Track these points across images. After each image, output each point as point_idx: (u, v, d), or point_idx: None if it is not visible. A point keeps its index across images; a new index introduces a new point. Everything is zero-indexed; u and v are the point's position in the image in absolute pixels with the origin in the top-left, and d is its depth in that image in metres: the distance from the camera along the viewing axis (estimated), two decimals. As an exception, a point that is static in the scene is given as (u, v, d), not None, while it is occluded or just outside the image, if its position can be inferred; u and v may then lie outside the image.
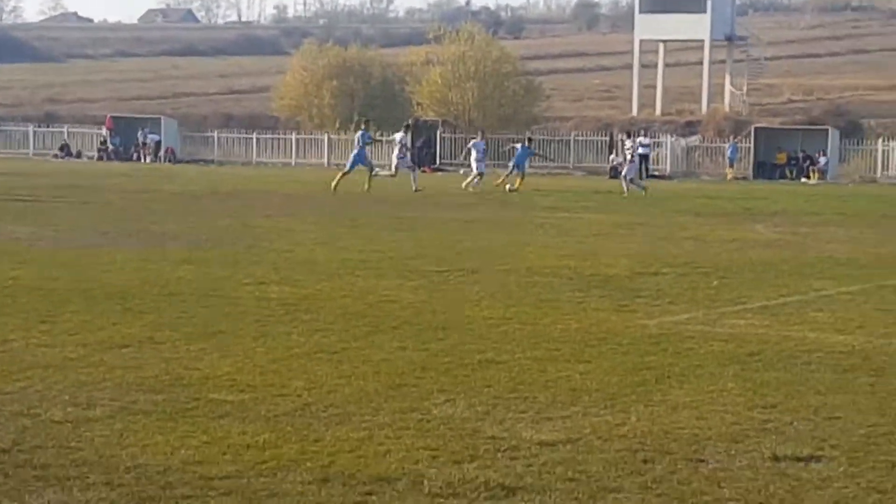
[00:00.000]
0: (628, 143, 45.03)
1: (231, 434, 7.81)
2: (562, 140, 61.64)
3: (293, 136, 64.68)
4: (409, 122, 47.69)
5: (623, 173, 40.52)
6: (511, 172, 40.15)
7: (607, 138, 60.31)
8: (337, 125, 63.31)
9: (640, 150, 48.13)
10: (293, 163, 62.67)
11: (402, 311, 13.04)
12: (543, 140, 58.75)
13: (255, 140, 64.81)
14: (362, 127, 39.74)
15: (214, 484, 6.77)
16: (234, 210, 27.88)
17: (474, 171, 41.28)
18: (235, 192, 35.72)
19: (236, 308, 13.04)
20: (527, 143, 42.73)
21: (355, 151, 37.92)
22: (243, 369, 9.81)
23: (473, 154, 42.26)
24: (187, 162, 60.71)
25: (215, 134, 65.83)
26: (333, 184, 35.48)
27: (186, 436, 7.74)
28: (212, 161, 62.37)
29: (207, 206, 29.46)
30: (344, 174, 36.91)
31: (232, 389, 9.08)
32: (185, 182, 40.38)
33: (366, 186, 35.96)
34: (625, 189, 38.33)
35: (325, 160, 61.95)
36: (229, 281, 15.23)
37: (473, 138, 45.40)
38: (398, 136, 40.72)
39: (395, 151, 39.94)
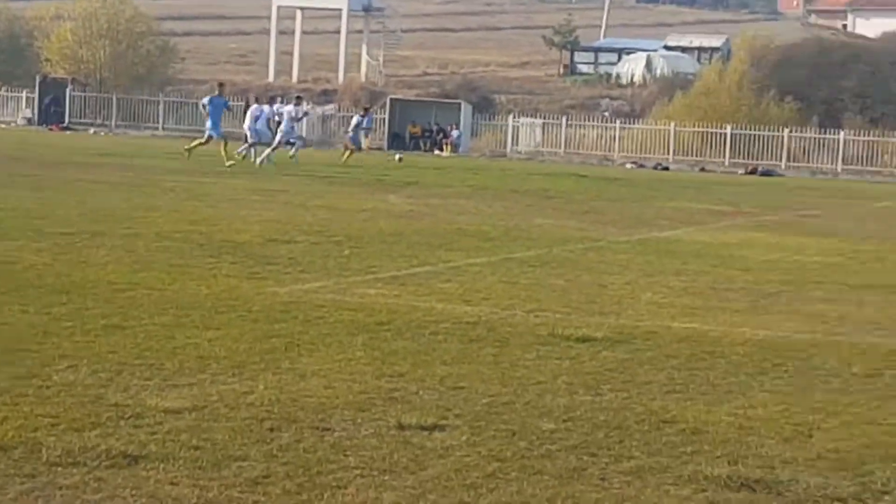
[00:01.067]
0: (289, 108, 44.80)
1: None
2: (196, 103, 60.92)
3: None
4: (297, 96, 46.48)
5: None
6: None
7: (243, 104, 59.91)
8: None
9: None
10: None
11: (25, 273, 12.53)
12: (177, 103, 57.84)
13: None
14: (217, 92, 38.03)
15: None
16: None
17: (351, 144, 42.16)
18: None
19: None
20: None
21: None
22: None
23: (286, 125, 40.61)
24: None
25: None
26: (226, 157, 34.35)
27: None
28: None
29: None
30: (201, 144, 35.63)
31: None
32: None
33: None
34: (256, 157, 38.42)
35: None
36: None
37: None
38: (288, 108, 40.01)
39: (283, 124, 39.07)
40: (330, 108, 63.32)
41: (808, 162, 58.00)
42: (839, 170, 56.82)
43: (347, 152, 41.67)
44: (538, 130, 61.78)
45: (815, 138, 58.55)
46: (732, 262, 17.49)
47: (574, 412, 8.01)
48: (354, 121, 44.40)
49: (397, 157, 45.34)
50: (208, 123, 35.62)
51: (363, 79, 69.97)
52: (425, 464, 6.70)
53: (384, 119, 59.78)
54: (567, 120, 61.71)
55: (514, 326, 11.20)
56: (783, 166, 57.41)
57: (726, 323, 12.04)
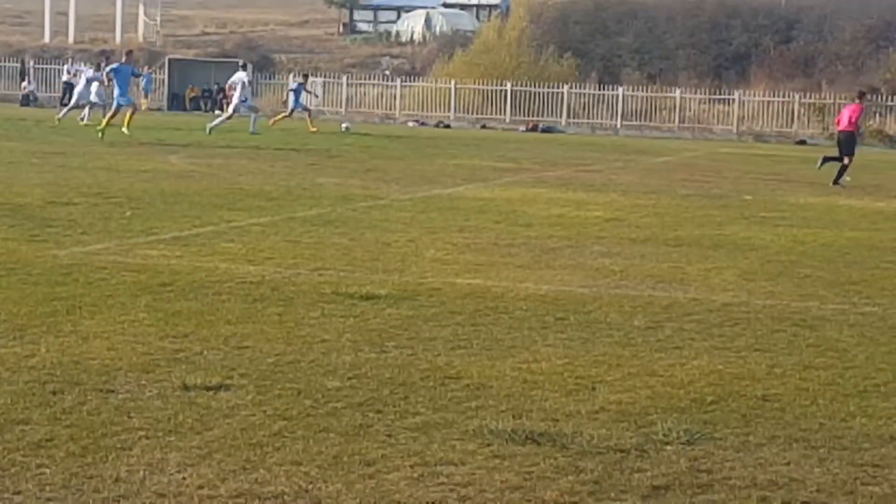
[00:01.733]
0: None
1: None
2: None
3: None
4: (242, 62, 44.92)
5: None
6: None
7: (19, 65, 58.34)
8: None
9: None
10: None
11: None
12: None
13: None
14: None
15: None
16: None
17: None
18: None
19: None
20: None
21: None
22: None
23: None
24: None
25: None
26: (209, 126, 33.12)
27: None
28: None
29: None
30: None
31: None
32: None
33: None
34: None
35: None
36: None
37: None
38: (239, 75, 38.96)
39: (237, 92, 37.77)
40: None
41: (589, 118, 58.92)
42: (619, 126, 57.91)
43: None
44: (319, 89, 61.45)
45: (594, 94, 59.49)
46: (515, 219, 17.67)
47: (359, 370, 7.99)
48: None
49: (344, 126, 44.50)
50: (116, 92, 33.25)
51: (141, 39, 68.53)
52: (210, 424, 6.60)
53: (163, 80, 58.72)
54: (348, 79, 61.55)
55: (298, 285, 11.11)
56: (563, 123, 58.22)
57: (509, 278, 12.15)
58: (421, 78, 63.05)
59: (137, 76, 38.99)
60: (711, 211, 19.92)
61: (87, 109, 39.67)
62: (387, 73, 65.42)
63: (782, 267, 13.76)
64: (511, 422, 6.87)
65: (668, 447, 6.59)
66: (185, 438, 6.33)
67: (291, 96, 43.13)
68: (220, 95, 57.64)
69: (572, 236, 15.88)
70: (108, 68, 35.18)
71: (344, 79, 61.80)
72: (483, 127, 56.63)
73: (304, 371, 7.89)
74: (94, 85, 39.66)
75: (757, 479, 6.11)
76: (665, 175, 28.52)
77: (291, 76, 43.66)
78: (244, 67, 41.77)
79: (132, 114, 33.11)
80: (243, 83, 38.81)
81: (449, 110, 59.49)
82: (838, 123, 29.02)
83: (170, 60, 60.07)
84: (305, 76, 46.54)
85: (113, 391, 7.18)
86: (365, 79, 63.03)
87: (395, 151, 33.82)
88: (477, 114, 59.25)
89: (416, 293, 10.97)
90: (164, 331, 8.86)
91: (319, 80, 60.71)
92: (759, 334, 9.80)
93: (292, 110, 42.60)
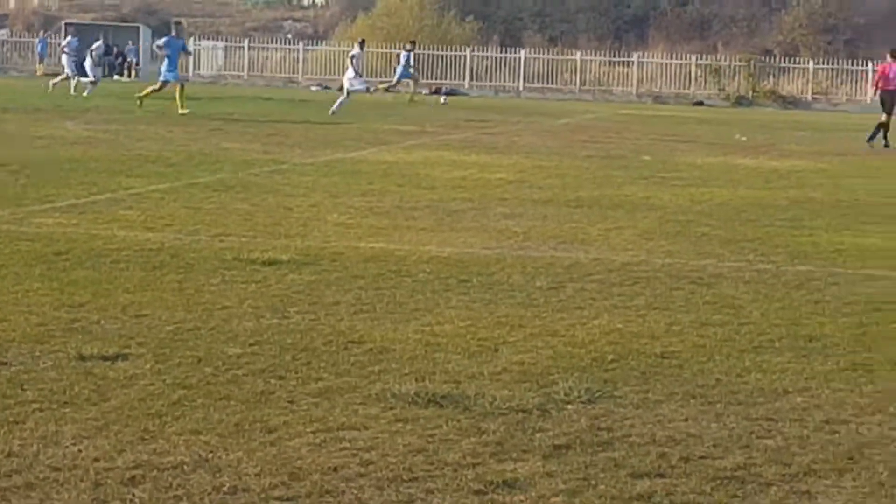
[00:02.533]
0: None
1: None
2: None
3: None
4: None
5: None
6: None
7: None
8: None
9: None
10: None
11: None
12: None
13: None
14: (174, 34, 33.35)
15: None
16: None
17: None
18: None
19: None
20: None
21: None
22: None
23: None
24: None
25: None
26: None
27: None
28: None
29: None
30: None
31: None
32: None
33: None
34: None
35: None
36: None
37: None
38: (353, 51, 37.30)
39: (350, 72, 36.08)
40: (2, 34, 60.84)
41: (491, 81, 59.01)
42: (521, 88, 58.03)
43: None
44: (220, 53, 60.87)
45: (496, 57, 59.58)
46: (418, 181, 17.66)
47: (261, 336, 7.93)
48: None
49: (442, 99, 42.60)
50: (164, 66, 31.54)
51: (36, 3, 67.44)
52: (108, 394, 6.52)
53: (59, 44, 57.87)
54: (249, 43, 61.03)
55: (198, 252, 11.01)
56: (466, 85, 58.25)
57: (413, 242, 12.14)
58: (323, 42, 62.72)
59: (189, 53, 38.18)
60: (611, 172, 20.05)
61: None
62: (289, 36, 64.96)
63: (680, 226, 13.89)
64: (414, 385, 6.86)
65: (569, 406, 6.63)
66: (81, 410, 6.23)
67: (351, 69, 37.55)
68: (119, 60, 56.93)
69: (475, 198, 15.90)
70: (159, 41, 33.07)
71: (245, 43, 61.28)
72: (387, 90, 56.54)
73: (204, 339, 7.82)
74: (65, 57, 39.69)
75: (656, 435, 6.16)
76: (566, 137, 28.66)
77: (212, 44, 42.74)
78: (361, 45, 38.56)
79: (182, 90, 31.66)
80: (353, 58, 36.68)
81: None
82: (876, 85, 28.81)
83: (66, 24, 59.16)
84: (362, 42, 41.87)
85: (5, 363, 7.05)
86: (267, 42, 62.52)
87: (298, 115, 33.62)
88: (381, 77, 59.09)
89: (319, 258, 10.92)
90: (59, 300, 8.72)
91: (221, 44, 60.17)
92: (657, 293, 9.89)
93: (397, 81, 42.08)
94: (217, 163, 19.22)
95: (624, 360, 7.67)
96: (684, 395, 6.92)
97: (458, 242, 12.19)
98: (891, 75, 28.68)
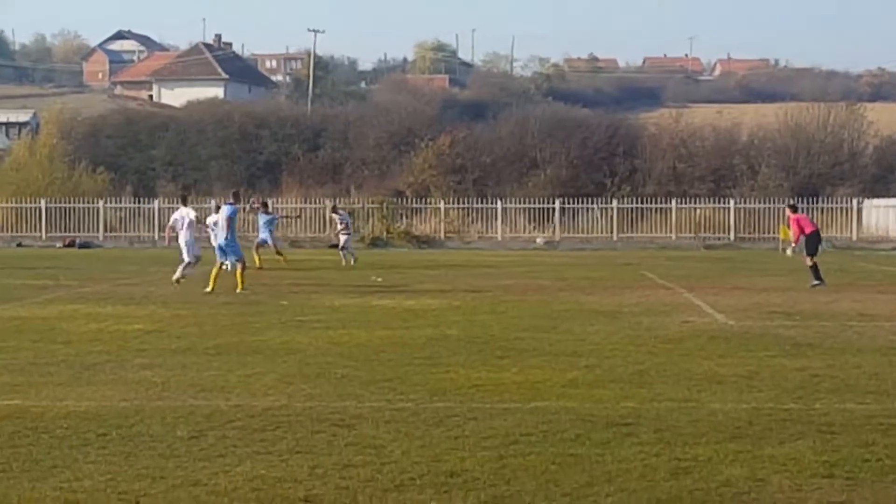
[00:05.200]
0: None
1: None
2: None
3: None
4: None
5: None
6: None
7: None
8: None
9: None
10: None
11: None
12: None
13: None
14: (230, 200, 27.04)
15: None
16: None
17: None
18: None
19: None
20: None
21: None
22: None
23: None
24: None
25: None
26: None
27: None
28: None
29: None
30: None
31: None
32: None
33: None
34: None
35: None
36: None
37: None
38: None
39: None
40: None
41: (126, 231, 58.33)
42: (157, 238, 57.66)
43: None
44: None
45: (130, 207, 59.04)
46: (54, 336, 17.28)
47: None
48: None
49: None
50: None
51: None
52: None
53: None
54: None
55: None
56: (101, 237, 57.37)
57: (49, 397, 11.89)
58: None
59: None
60: (249, 318, 20.14)
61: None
62: None
63: (320, 368, 14.09)
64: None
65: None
66: None
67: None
68: None
69: (113, 350, 15.69)
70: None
71: None
72: (19, 245, 55.04)
73: None
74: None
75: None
76: (204, 284, 28.57)
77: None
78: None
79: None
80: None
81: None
82: (801, 232, 29.04)
83: None
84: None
85: None
86: None
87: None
88: (12, 232, 57.56)
89: (-51, 420, 10.55)
90: None
91: None
92: (299, 436, 10.01)
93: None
94: None
95: (267, 505, 7.73)
96: (323, 537, 7.02)
97: (96, 396, 12.01)
98: (807, 221, 29.88)
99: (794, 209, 30.52)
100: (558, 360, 14.98)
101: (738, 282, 29.59)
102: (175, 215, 29.32)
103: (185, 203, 30.27)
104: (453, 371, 13.96)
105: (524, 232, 57.43)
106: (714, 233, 56.26)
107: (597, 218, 57.51)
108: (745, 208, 56.54)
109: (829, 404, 11.75)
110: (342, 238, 38.60)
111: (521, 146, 64.25)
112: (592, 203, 57.65)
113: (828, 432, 10.30)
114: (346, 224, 39.04)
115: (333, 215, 40.90)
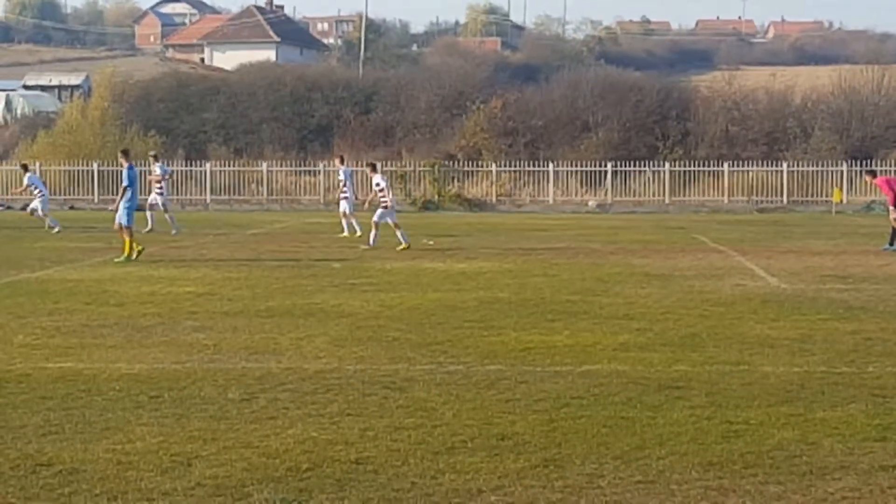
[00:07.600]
0: None
1: None
2: None
3: None
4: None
5: None
6: None
7: None
8: None
9: None
10: None
11: None
12: None
13: None
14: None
15: None
16: None
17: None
18: None
19: None
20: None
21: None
22: None
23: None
24: None
25: None
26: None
27: None
28: None
29: None
30: None
31: None
32: None
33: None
34: None
35: None
36: None
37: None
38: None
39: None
40: None
41: (178, 194, 58.54)
42: (208, 200, 57.79)
43: None
44: None
45: (183, 170, 59.22)
46: (106, 299, 17.39)
47: (-55, 465, 7.68)
48: None
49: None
50: None
51: None
52: None
53: None
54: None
55: None
56: (153, 200, 57.58)
57: (102, 359, 11.97)
58: (4, 161, 61.18)
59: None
60: (301, 280, 20.19)
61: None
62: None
63: (371, 331, 14.11)
64: (106, 504, 6.77)
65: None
66: None
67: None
68: None
69: (164, 313, 15.77)
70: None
71: (-82, 163, 59.21)
72: (72, 208, 55.41)
73: None
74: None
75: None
76: (255, 247, 28.70)
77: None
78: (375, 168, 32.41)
79: None
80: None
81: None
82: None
83: None
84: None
85: None
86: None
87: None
88: (65, 194, 57.96)
89: (4, 381, 10.66)
90: None
91: None
92: (350, 399, 10.03)
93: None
94: None
95: (319, 468, 7.75)
96: (380, 500, 7.04)
97: (147, 358, 12.08)
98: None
99: (874, 174, 29.90)
100: (609, 323, 14.94)
101: (790, 245, 29.39)
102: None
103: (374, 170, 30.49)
104: (504, 334, 13.96)
105: (576, 195, 57.19)
106: (767, 196, 55.82)
107: (649, 181, 57.16)
108: (798, 171, 56.02)
109: (882, 368, 11.67)
110: (342, 204, 34.42)
111: (573, 109, 63.85)
112: (644, 166, 57.28)
113: (880, 396, 10.24)
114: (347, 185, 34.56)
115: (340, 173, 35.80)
